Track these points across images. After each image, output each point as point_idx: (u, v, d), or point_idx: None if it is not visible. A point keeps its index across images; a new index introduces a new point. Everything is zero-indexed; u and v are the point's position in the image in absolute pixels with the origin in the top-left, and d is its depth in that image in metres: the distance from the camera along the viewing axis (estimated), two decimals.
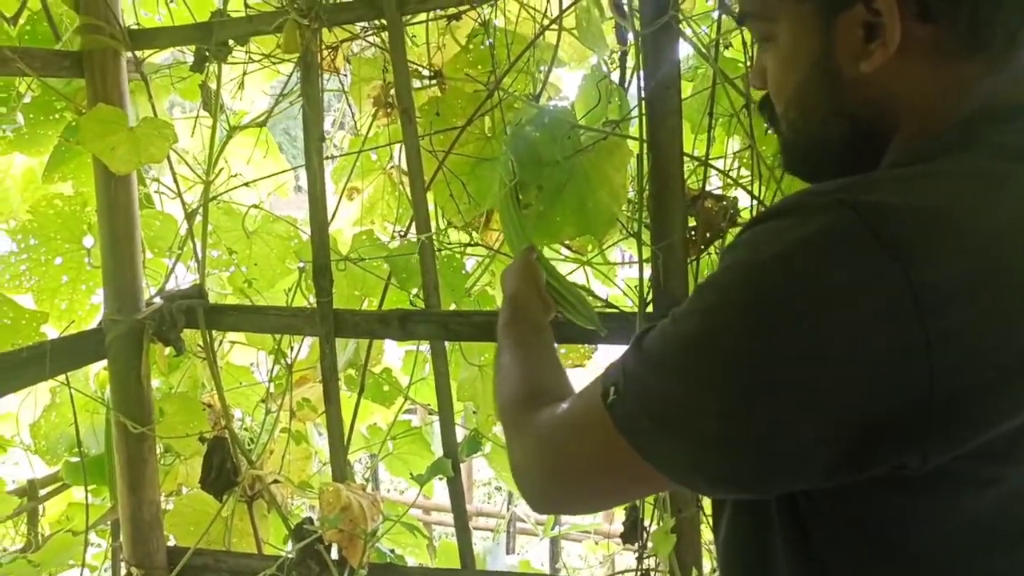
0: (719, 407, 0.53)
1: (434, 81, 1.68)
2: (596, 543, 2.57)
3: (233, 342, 2.06)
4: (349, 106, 1.74)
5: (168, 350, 1.70)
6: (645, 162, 1.32)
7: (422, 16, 1.61)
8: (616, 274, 1.69)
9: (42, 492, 2.03)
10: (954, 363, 0.49)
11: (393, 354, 2.07)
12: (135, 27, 1.66)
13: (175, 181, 1.67)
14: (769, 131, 1.31)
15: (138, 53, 1.64)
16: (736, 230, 1.45)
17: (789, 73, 0.69)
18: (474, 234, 1.71)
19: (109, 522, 1.90)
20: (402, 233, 1.65)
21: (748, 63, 1.30)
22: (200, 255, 1.66)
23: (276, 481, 1.68)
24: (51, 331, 1.68)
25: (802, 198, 0.57)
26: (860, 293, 0.50)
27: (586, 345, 1.66)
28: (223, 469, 1.62)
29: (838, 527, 0.57)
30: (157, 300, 1.67)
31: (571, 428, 0.68)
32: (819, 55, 0.65)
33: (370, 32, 1.64)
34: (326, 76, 1.76)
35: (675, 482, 0.60)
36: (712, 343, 0.55)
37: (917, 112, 0.62)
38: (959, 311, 0.49)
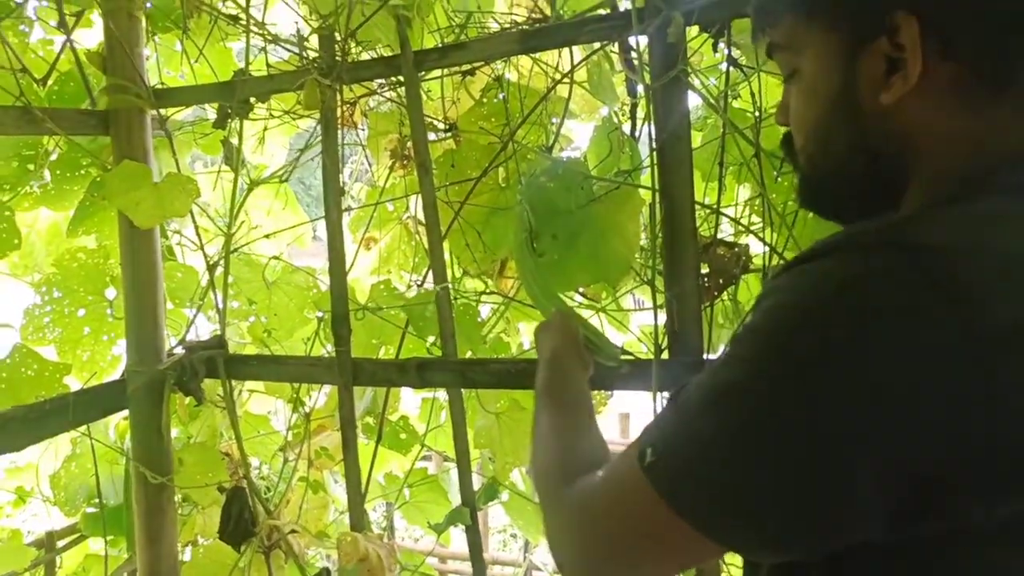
0: (767, 463, 0.50)
1: (449, 134, 1.72)
2: None
3: (252, 391, 2.08)
4: (367, 158, 1.78)
5: (188, 400, 1.72)
6: (658, 210, 1.34)
7: (437, 72, 1.66)
8: (630, 321, 1.70)
9: (59, 543, 2.04)
10: (1016, 409, 0.47)
11: (410, 402, 2.08)
12: (159, 86, 1.72)
13: (197, 234, 1.71)
14: (779, 179, 1.33)
15: (162, 111, 1.70)
16: (752, 276, 1.47)
17: (811, 106, 0.70)
18: (489, 282, 1.73)
19: (126, 573, 1.90)
20: (419, 282, 1.67)
21: (756, 113, 1.33)
22: (221, 306, 1.69)
23: (294, 531, 1.68)
24: (73, 382, 1.70)
25: (844, 239, 0.55)
26: (917, 339, 0.48)
27: (602, 392, 1.66)
28: (241, 519, 1.62)
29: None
30: (178, 350, 1.69)
31: (607, 495, 0.63)
32: (841, 87, 0.65)
33: (387, 88, 1.69)
34: (344, 130, 1.81)
35: (723, 547, 0.55)
36: (757, 393, 0.52)
37: (940, 149, 0.62)
38: (1018, 356, 0.47)
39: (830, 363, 0.49)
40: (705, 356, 1.38)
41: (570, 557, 0.67)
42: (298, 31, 1.48)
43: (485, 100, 1.64)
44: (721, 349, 1.43)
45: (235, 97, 1.59)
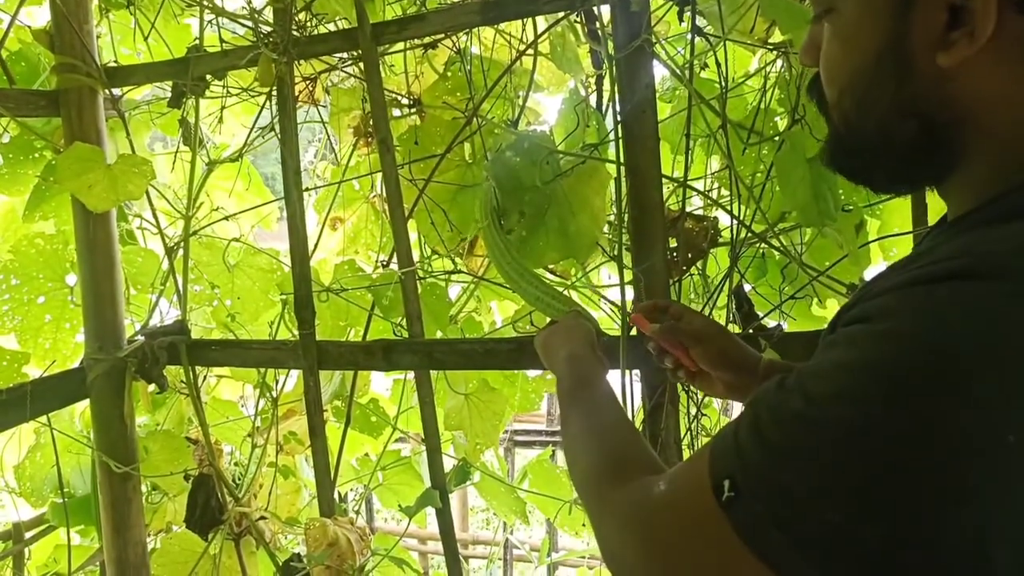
0: (883, 524, 0.43)
1: (414, 110, 1.68)
2: (589, 568, 2.54)
3: (220, 376, 2.04)
4: (328, 137, 1.73)
5: (151, 387, 1.68)
6: (623, 185, 1.31)
7: (400, 45, 1.61)
8: (600, 297, 1.68)
9: (28, 535, 2.00)
10: None
11: (382, 384, 2.05)
12: (112, 64, 1.67)
13: (155, 217, 1.66)
14: (746, 151, 1.31)
15: (116, 90, 1.64)
16: (721, 250, 1.45)
17: (849, 55, 0.60)
18: (459, 261, 1.70)
19: (98, 563, 1.87)
20: (384, 263, 1.64)
21: (723, 83, 1.30)
22: (182, 290, 1.64)
23: (263, 518, 1.65)
24: (36, 372, 1.66)
25: (985, 256, 0.46)
26: None
27: None
28: (208, 507, 1.59)
29: None
30: (140, 337, 1.65)
31: (679, 520, 0.56)
32: (890, 38, 0.56)
33: (348, 63, 1.64)
34: (306, 107, 1.76)
35: None
36: (875, 441, 0.44)
37: (1009, 124, 0.53)
38: None
39: (977, 420, 0.41)
40: None
41: (631, 568, 0.61)
42: (251, 4, 1.43)
43: (449, 74, 1.60)
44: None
45: (189, 75, 1.54)
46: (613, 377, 1.38)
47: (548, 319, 1.29)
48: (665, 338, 0.96)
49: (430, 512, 1.64)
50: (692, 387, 1.14)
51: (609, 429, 0.81)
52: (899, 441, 0.43)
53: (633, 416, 1.37)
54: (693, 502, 0.54)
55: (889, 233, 1.39)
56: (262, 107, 1.54)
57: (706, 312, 1.39)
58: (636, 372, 1.36)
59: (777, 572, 0.48)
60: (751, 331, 1.31)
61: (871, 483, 0.44)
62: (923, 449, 0.42)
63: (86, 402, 1.74)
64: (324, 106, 1.78)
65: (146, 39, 1.66)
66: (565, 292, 1.36)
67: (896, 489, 0.43)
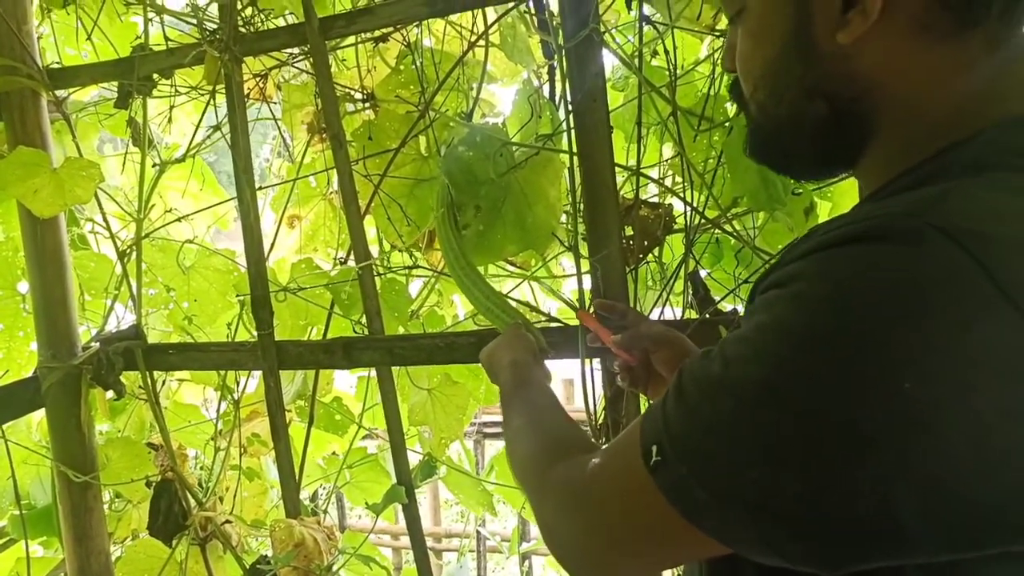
0: (793, 476, 0.45)
1: (367, 104, 1.66)
2: None
3: (181, 380, 2.01)
4: (281, 134, 1.71)
5: (109, 394, 1.65)
6: (577, 174, 1.31)
7: (351, 39, 1.59)
8: (562, 287, 1.68)
9: None
10: None
11: (347, 381, 2.03)
12: (56, 65, 1.63)
13: (104, 220, 1.63)
14: (697, 138, 1.31)
15: (61, 92, 1.60)
16: (675, 237, 1.45)
17: (759, 48, 0.64)
18: (418, 256, 1.69)
19: (64, 573, 1.84)
20: (342, 260, 1.62)
21: (672, 70, 1.30)
22: (136, 294, 1.62)
23: (228, 521, 1.63)
24: None
25: (880, 222, 0.48)
26: (977, 345, 0.42)
27: None
28: (171, 513, 1.57)
29: None
30: (95, 344, 1.62)
31: (610, 489, 0.58)
32: (794, 25, 0.59)
33: (298, 59, 1.62)
34: (258, 104, 1.74)
35: (736, 551, 0.51)
36: (782, 396, 0.46)
37: (906, 95, 0.56)
38: None
39: (874, 373, 0.43)
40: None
41: (568, 543, 0.63)
42: (194, 1, 1.40)
43: (402, 67, 1.58)
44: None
45: (135, 74, 1.51)
46: (571, 368, 1.39)
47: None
48: (625, 347, 0.97)
49: (399, 508, 1.63)
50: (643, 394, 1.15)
51: (546, 419, 0.84)
52: (806, 395, 0.45)
53: (595, 404, 1.38)
54: (624, 471, 0.56)
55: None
56: (207, 105, 1.51)
57: (663, 298, 1.40)
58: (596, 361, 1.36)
59: (705, 532, 0.50)
60: (707, 315, 1.32)
61: (783, 438, 0.46)
62: (828, 402, 0.44)
63: (43, 411, 1.71)
64: (277, 103, 1.76)
65: (89, 38, 1.62)
66: (514, 305, 1.36)
67: (806, 442, 0.45)
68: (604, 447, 0.65)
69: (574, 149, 1.31)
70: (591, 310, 1.26)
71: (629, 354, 0.97)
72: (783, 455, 0.45)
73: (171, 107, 1.66)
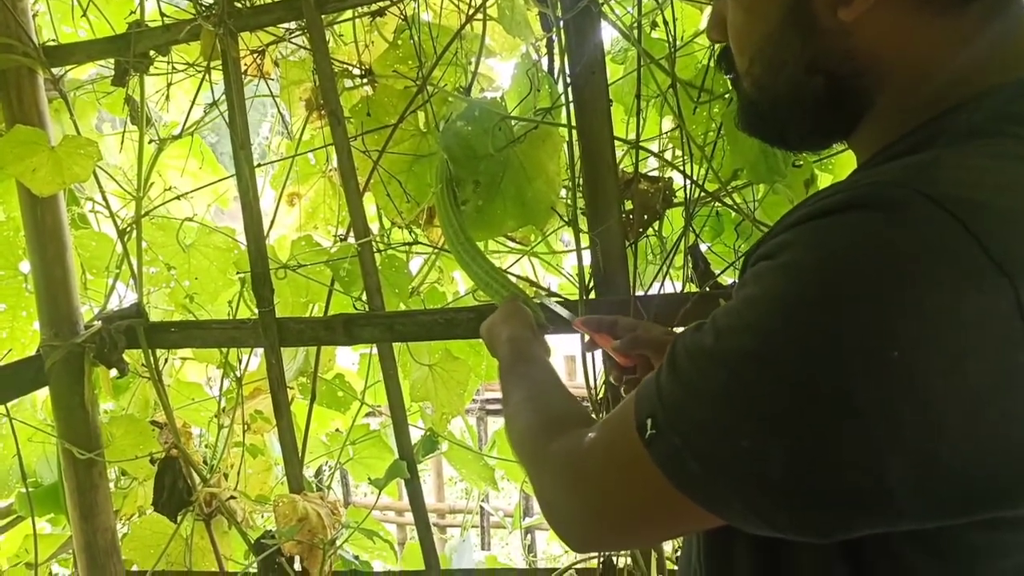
0: (784, 446, 0.45)
1: (365, 80, 1.65)
2: None
3: (184, 358, 2.02)
4: (279, 111, 1.70)
5: (113, 372, 1.66)
6: (575, 148, 1.31)
7: (348, 14, 1.58)
8: (562, 262, 1.68)
9: None
10: None
11: (350, 358, 2.04)
12: (52, 43, 1.62)
13: (104, 199, 1.63)
14: (696, 110, 1.30)
15: (57, 70, 1.59)
16: (675, 211, 1.45)
17: (755, 23, 0.62)
18: (418, 232, 1.68)
19: (71, 550, 1.87)
20: (342, 236, 1.62)
21: (671, 42, 1.29)
22: (137, 273, 1.62)
23: (232, 497, 1.65)
24: None
25: (867, 190, 0.48)
26: (967, 314, 0.42)
27: None
28: (175, 489, 1.59)
29: (902, 564, 0.50)
30: (97, 322, 1.63)
31: (606, 462, 0.59)
32: (792, 2, 0.58)
33: (295, 34, 1.61)
34: (256, 81, 1.72)
35: (733, 525, 0.51)
36: (774, 366, 0.46)
37: (905, 70, 0.56)
38: None
39: (863, 341, 0.43)
40: (633, 294, 1.36)
41: (566, 516, 0.64)
42: None
43: (399, 42, 1.57)
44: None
45: (132, 51, 1.50)
46: (573, 343, 1.39)
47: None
48: (626, 352, 0.96)
49: (403, 483, 1.65)
50: None
51: (545, 393, 0.84)
52: (796, 365, 0.45)
53: (595, 379, 1.38)
54: (620, 443, 0.56)
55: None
56: (201, 81, 1.51)
57: (663, 272, 1.39)
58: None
59: (699, 503, 0.50)
60: (708, 289, 1.32)
61: (774, 407, 0.46)
62: (818, 371, 0.44)
63: (47, 390, 1.72)
64: (275, 80, 1.75)
65: (84, 15, 1.61)
66: (513, 280, 1.36)
67: (797, 411, 0.45)
68: (601, 421, 0.65)
69: (573, 123, 1.30)
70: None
71: (629, 358, 0.97)
72: (774, 425, 0.45)
73: (168, 84, 1.65)
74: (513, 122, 1.40)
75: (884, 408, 0.42)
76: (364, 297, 1.54)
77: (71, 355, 1.57)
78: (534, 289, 1.50)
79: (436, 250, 1.66)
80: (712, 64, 1.32)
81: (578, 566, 1.54)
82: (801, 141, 0.70)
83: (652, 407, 0.53)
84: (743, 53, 0.65)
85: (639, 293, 1.36)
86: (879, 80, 0.58)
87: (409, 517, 3.70)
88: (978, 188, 0.46)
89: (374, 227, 1.64)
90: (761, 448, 0.46)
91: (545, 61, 1.52)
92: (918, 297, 0.43)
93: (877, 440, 0.43)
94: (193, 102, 1.57)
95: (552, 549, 3.64)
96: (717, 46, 0.94)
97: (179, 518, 1.61)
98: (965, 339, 0.42)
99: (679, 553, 1.04)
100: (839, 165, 1.34)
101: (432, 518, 4.13)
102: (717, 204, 1.38)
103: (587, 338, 1.04)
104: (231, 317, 1.63)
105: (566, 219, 1.42)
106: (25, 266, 1.72)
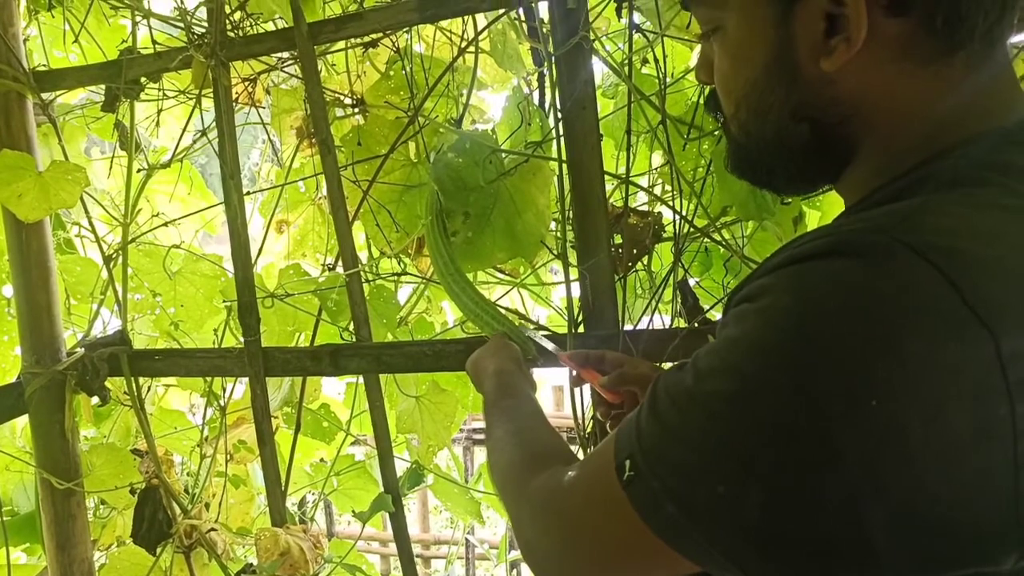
0: (760, 490, 0.44)
1: (356, 109, 1.65)
2: None
3: (168, 385, 2.00)
4: (270, 139, 1.70)
5: (94, 400, 1.64)
6: (565, 182, 1.31)
7: (340, 44, 1.58)
8: (551, 295, 1.67)
9: None
10: None
11: (335, 388, 2.02)
12: (43, 68, 1.61)
13: (91, 224, 1.62)
14: (686, 147, 1.31)
15: (47, 95, 1.59)
16: (664, 246, 1.45)
17: (740, 69, 0.62)
18: (407, 262, 1.68)
19: None
20: (330, 266, 1.61)
21: (661, 78, 1.30)
22: (122, 299, 1.60)
23: (213, 529, 1.62)
24: None
25: (849, 236, 0.47)
26: (947, 362, 0.42)
27: None
28: (155, 520, 1.56)
29: None
30: (79, 349, 1.61)
31: (585, 502, 0.58)
32: (776, 49, 0.58)
33: (288, 63, 1.61)
34: (247, 109, 1.72)
35: (711, 571, 0.50)
36: (752, 411, 0.45)
37: (890, 117, 0.56)
38: None
39: (842, 388, 0.43)
40: (622, 328, 1.36)
41: (544, 556, 0.63)
42: (182, 5, 1.39)
43: (392, 73, 1.58)
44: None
45: (122, 78, 1.50)
46: (562, 374, 1.38)
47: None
48: (613, 388, 0.95)
49: (387, 514, 1.62)
50: None
51: (528, 429, 0.83)
52: (772, 409, 0.45)
53: (583, 412, 1.37)
54: (599, 484, 0.55)
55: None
56: (192, 109, 1.50)
57: (652, 307, 1.39)
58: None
59: (674, 548, 0.50)
60: (696, 324, 1.32)
61: (750, 451, 0.45)
62: (793, 416, 0.44)
63: (26, 417, 1.69)
64: (266, 107, 1.75)
65: (75, 41, 1.61)
66: (504, 312, 1.35)
67: (771, 456, 0.44)
68: (581, 459, 0.64)
69: (563, 156, 1.31)
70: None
71: (616, 394, 0.96)
72: (751, 470, 0.45)
73: (159, 111, 1.65)
74: (504, 155, 1.40)
75: (862, 455, 0.42)
76: (351, 327, 1.53)
77: (52, 383, 1.55)
78: (521, 321, 1.49)
79: (425, 280, 1.66)
80: (701, 102, 1.33)
81: None
82: (788, 185, 0.70)
83: (631, 448, 0.52)
84: (729, 97, 0.66)
85: (628, 327, 1.36)
86: (864, 127, 0.58)
87: (393, 548, 3.64)
88: (960, 237, 0.46)
89: (363, 256, 1.63)
90: (738, 492, 0.45)
91: (536, 95, 1.53)
92: (898, 345, 0.42)
93: (854, 488, 0.42)
94: (184, 129, 1.57)
95: None
96: (707, 86, 0.95)
97: (158, 550, 1.58)
98: (945, 388, 0.42)
99: None
100: (827, 203, 1.35)
101: (417, 549, 4.07)
102: (706, 240, 1.38)
103: (575, 372, 1.04)
104: (216, 345, 1.62)
105: (555, 252, 1.42)
106: (8, 290, 1.70)
